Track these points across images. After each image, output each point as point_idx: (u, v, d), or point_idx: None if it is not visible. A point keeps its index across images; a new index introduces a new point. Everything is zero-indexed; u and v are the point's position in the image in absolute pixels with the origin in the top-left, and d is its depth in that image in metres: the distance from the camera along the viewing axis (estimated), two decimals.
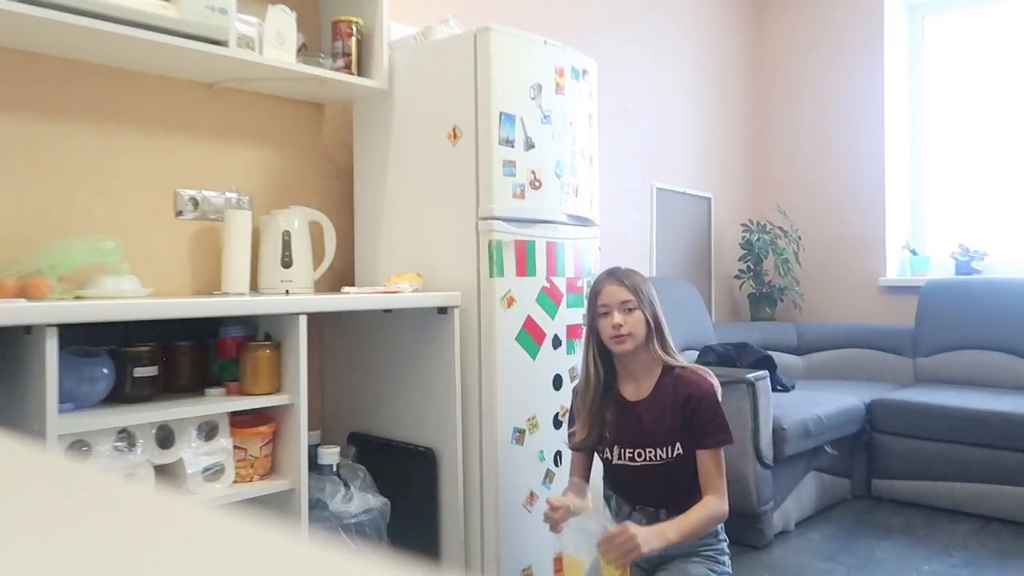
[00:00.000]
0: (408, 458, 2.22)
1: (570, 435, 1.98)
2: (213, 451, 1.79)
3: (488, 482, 2.13)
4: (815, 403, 3.26)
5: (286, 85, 2.28)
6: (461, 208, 2.17)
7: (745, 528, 2.84)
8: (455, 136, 2.18)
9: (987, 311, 3.76)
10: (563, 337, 2.31)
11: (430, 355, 2.19)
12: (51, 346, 1.46)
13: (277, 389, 1.89)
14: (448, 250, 2.21)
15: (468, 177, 2.15)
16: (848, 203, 4.51)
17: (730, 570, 1.88)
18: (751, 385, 2.83)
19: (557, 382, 2.30)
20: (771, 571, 2.68)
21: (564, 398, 2.24)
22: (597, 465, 1.99)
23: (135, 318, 1.63)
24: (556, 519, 1.75)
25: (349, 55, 2.30)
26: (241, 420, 1.87)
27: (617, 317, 1.83)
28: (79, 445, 1.59)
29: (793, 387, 3.60)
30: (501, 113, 2.13)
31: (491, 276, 2.13)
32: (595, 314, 1.88)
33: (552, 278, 2.28)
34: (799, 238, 4.43)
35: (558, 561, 2.16)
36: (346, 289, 2.15)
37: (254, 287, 2.18)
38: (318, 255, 2.29)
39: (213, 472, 1.79)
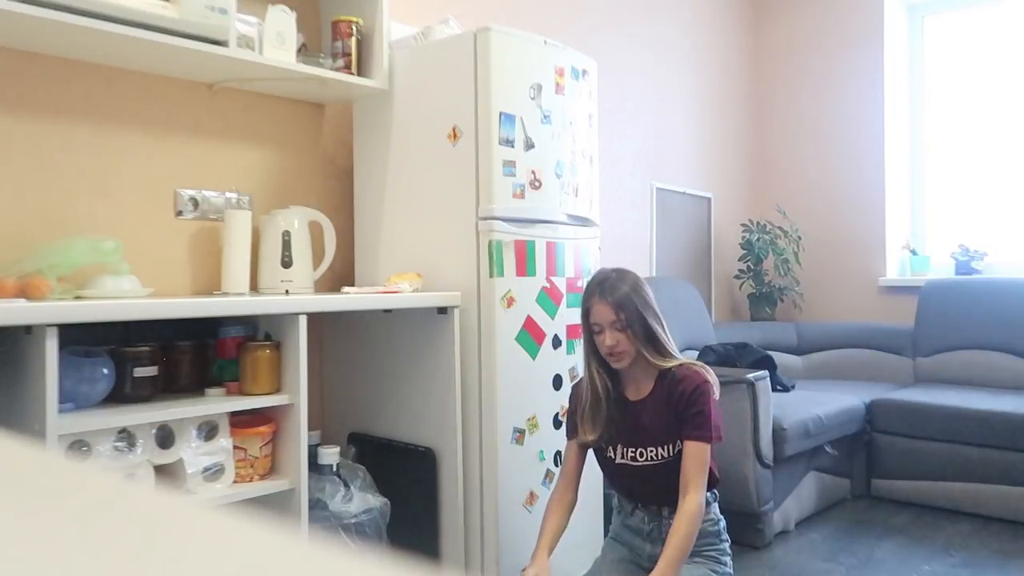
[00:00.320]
0: (408, 458, 2.22)
1: (571, 435, 1.98)
2: (213, 451, 1.79)
3: (488, 482, 2.13)
4: (815, 403, 3.26)
5: (286, 85, 2.28)
6: (461, 208, 2.17)
7: (745, 528, 2.84)
8: (455, 136, 2.18)
9: (987, 311, 3.76)
10: (563, 337, 2.31)
11: (430, 355, 2.19)
12: (51, 346, 1.46)
13: (277, 389, 1.89)
14: (448, 250, 2.21)
15: (468, 177, 2.15)
16: (848, 203, 4.51)
17: (731, 570, 1.88)
18: (751, 385, 2.83)
19: (557, 382, 2.30)
20: (771, 571, 2.68)
21: (564, 398, 2.23)
22: (591, 463, 1.99)
23: (135, 318, 1.63)
24: None
25: (349, 55, 2.30)
26: (241, 420, 1.87)
27: (609, 339, 1.82)
28: (79, 445, 1.59)
29: (793, 387, 3.60)
30: (501, 113, 2.13)
31: (491, 276, 2.13)
32: (590, 331, 1.88)
33: (552, 278, 2.28)
34: (799, 238, 4.43)
35: None
36: (346, 289, 2.15)
37: (254, 287, 2.18)
38: (318, 255, 2.29)
39: (213, 472, 1.79)
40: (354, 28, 2.31)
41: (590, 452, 1.97)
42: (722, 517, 1.91)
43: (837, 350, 4.16)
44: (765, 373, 2.92)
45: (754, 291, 4.37)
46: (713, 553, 1.86)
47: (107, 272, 1.82)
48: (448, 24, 2.42)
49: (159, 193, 2.15)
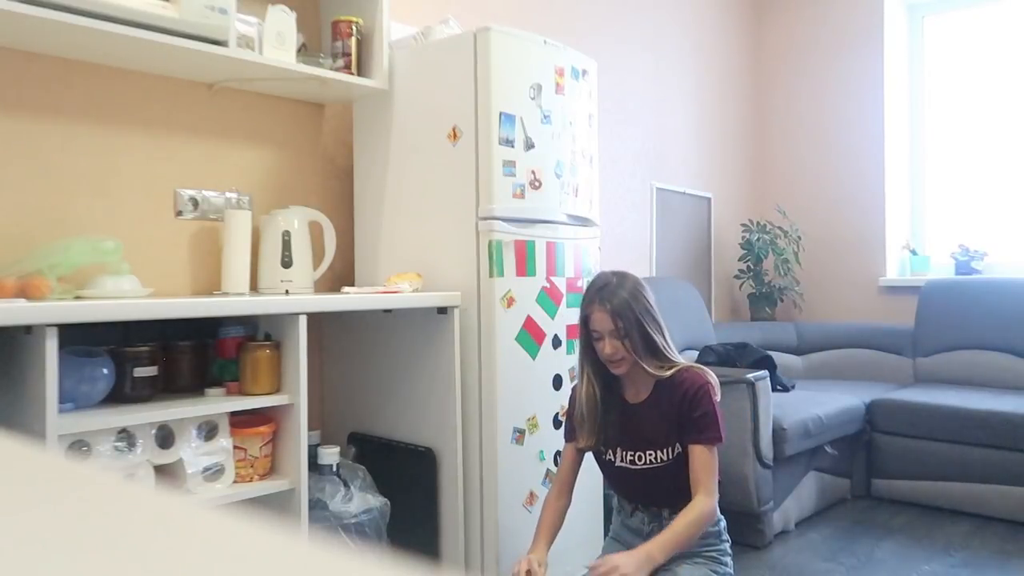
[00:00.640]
0: (408, 458, 2.22)
1: (568, 438, 1.97)
2: (213, 451, 1.79)
3: (488, 482, 2.13)
4: (815, 403, 3.26)
5: (286, 85, 2.28)
6: (461, 208, 2.17)
7: (745, 528, 2.84)
8: (455, 136, 2.18)
9: (987, 311, 3.76)
10: (563, 337, 2.31)
11: (430, 355, 2.19)
12: (51, 346, 1.46)
13: (277, 389, 1.89)
14: (448, 250, 2.21)
15: (468, 177, 2.15)
16: (848, 203, 4.51)
17: (732, 571, 1.88)
18: (751, 385, 2.83)
19: (557, 382, 2.30)
20: (771, 571, 2.68)
21: (564, 398, 2.23)
22: (589, 465, 1.99)
23: (135, 318, 1.63)
24: None
25: (349, 55, 2.30)
26: (241, 420, 1.87)
27: (608, 348, 1.81)
28: (79, 445, 1.59)
29: (793, 387, 3.60)
30: (501, 113, 2.13)
31: (491, 276, 2.13)
32: (588, 336, 1.87)
33: (552, 278, 2.28)
34: (799, 238, 4.43)
35: None
36: (346, 289, 2.15)
37: (254, 287, 2.18)
38: (318, 255, 2.29)
39: (213, 472, 1.79)
40: (354, 28, 2.31)
41: (587, 456, 1.97)
42: (722, 517, 1.91)
43: (837, 350, 4.16)
44: (765, 373, 2.92)
45: (754, 291, 4.37)
46: (714, 553, 1.85)
47: (107, 272, 1.82)
48: (448, 24, 2.42)
49: (159, 193, 2.15)
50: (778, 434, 2.94)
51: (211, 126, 2.26)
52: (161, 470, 1.74)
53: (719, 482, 1.89)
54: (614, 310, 1.79)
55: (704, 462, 1.78)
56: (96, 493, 0.39)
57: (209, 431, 1.80)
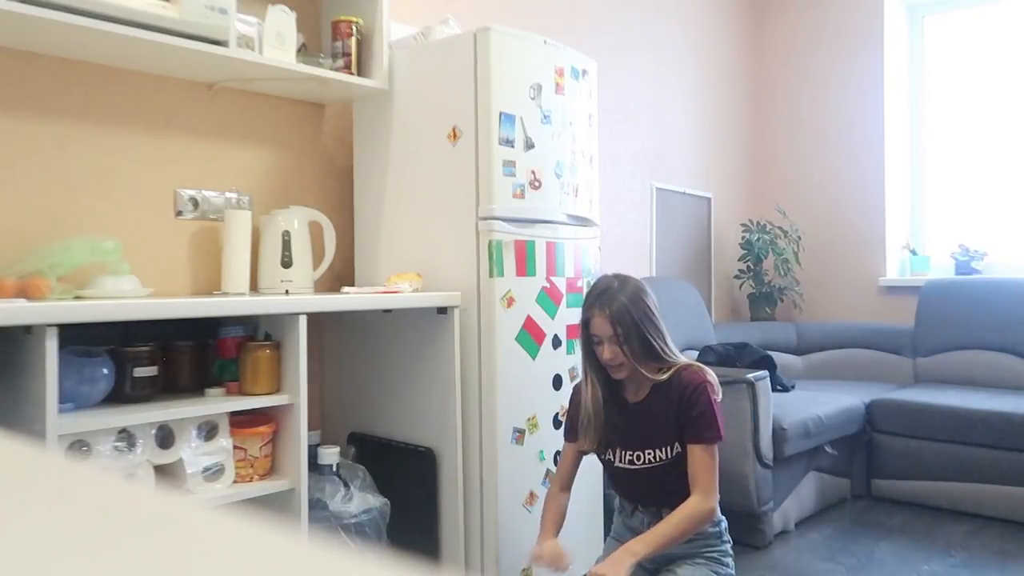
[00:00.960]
0: (408, 458, 2.22)
1: (569, 438, 1.97)
2: (213, 451, 1.79)
3: (488, 482, 2.13)
4: (815, 403, 3.26)
5: (286, 85, 2.28)
6: (461, 208, 2.17)
7: (745, 528, 2.84)
8: (455, 136, 2.18)
9: (987, 311, 3.76)
10: (563, 337, 2.31)
11: (430, 355, 2.19)
12: (51, 346, 1.46)
13: (277, 389, 1.89)
14: (448, 250, 2.21)
15: (468, 177, 2.15)
16: (848, 203, 4.51)
17: (733, 571, 1.88)
18: (751, 385, 2.83)
19: (557, 382, 2.30)
20: (771, 571, 2.68)
21: (564, 398, 2.24)
22: (589, 465, 1.99)
23: (135, 318, 1.63)
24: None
25: (349, 55, 2.30)
26: (241, 420, 1.87)
27: (607, 352, 1.81)
28: (79, 445, 1.59)
29: (793, 387, 3.60)
30: (501, 113, 2.13)
31: (491, 276, 2.13)
32: (589, 341, 1.86)
33: (552, 278, 2.28)
34: (799, 238, 4.43)
35: None
36: (346, 289, 2.15)
37: (254, 287, 2.18)
38: (318, 255, 2.29)
39: (213, 472, 1.79)
40: (354, 28, 2.31)
41: (589, 455, 1.97)
42: (723, 518, 1.90)
43: (837, 350, 4.16)
44: (765, 373, 2.92)
45: (754, 291, 4.37)
46: (715, 554, 1.85)
47: (107, 272, 1.82)
48: (448, 24, 2.42)
49: (159, 193, 2.15)
50: (778, 434, 2.94)
51: (211, 126, 2.26)
52: (161, 470, 1.74)
53: (719, 482, 1.89)
54: (613, 316, 1.79)
55: (702, 461, 1.78)
56: (96, 493, 0.39)
57: (209, 431, 1.80)
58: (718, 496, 1.84)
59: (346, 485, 2.00)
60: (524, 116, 2.20)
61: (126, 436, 1.66)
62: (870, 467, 3.50)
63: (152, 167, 2.13)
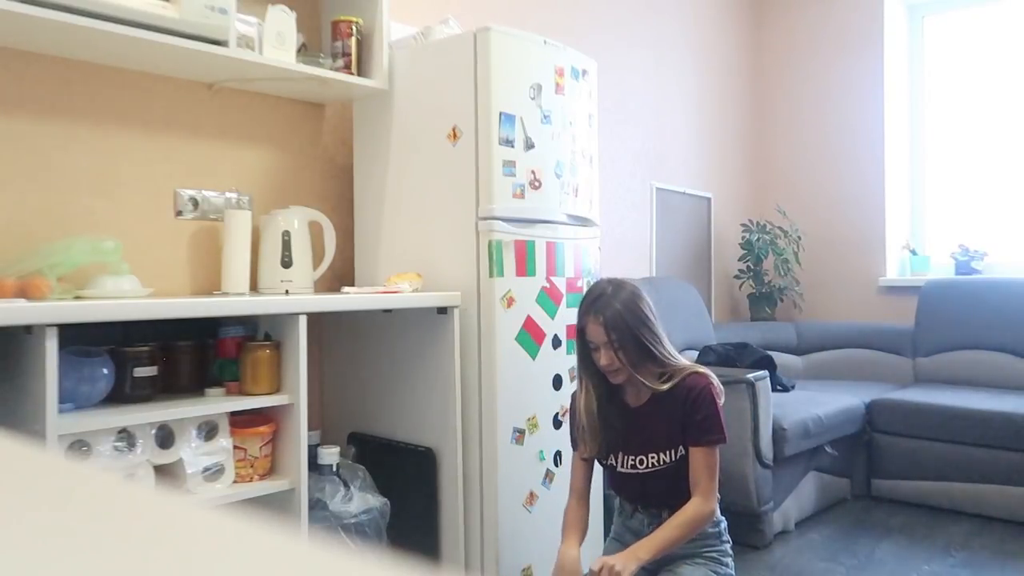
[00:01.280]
0: (408, 458, 2.22)
1: (575, 447, 1.97)
2: (213, 451, 1.79)
3: (488, 482, 2.13)
4: (815, 403, 3.26)
5: (286, 85, 2.28)
6: (461, 208, 2.17)
7: (745, 528, 2.84)
8: (455, 136, 2.18)
9: (987, 311, 3.76)
10: (563, 337, 2.31)
11: (430, 355, 2.19)
12: (51, 346, 1.46)
13: (277, 389, 1.89)
14: (448, 250, 2.21)
15: (468, 177, 2.15)
16: (848, 203, 4.51)
17: (733, 571, 1.88)
18: (751, 385, 2.83)
19: (557, 382, 2.30)
20: (771, 571, 2.68)
21: (564, 398, 2.24)
22: (598, 469, 1.99)
23: (135, 318, 1.63)
24: None
25: (349, 55, 2.30)
26: (241, 420, 1.87)
27: (604, 359, 1.80)
28: (79, 445, 1.59)
29: (793, 387, 3.60)
30: (501, 113, 2.13)
31: (491, 276, 2.13)
32: (585, 347, 1.86)
33: (552, 278, 2.28)
34: (799, 238, 4.43)
35: None
36: (346, 289, 2.15)
37: (254, 287, 2.18)
38: (318, 255, 2.29)
39: (213, 472, 1.79)
40: (354, 28, 2.31)
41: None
42: (723, 518, 1.90)
43: (837, 350, 4.16)
44: (765, 373, 2.92)
45: (754, 291, 4.37)
46: (714, 554, 1.85)
47: (107, 272, 1.82)
48: (448, 24, 2.42)
49: (159, 193, 2.15)
50: (778, 434, 2.94)
51: (211, 126, 2.26)
52: (161, 470, 1.74)
53: (719, 482, 1.89)
54: (607, 322, 1.77)
55: (705, 464, 1.78)
56: (96, 493, 0.39)
57: (209, 431, 1.80)
58: (718, 497, 1.84)
59: (346, 485, 2.00)
60: (524, 116, 2.20)
61: (126, 436, 1.66)
62: (870, 467, 3.50)
63: (152, 167, 2.13)
